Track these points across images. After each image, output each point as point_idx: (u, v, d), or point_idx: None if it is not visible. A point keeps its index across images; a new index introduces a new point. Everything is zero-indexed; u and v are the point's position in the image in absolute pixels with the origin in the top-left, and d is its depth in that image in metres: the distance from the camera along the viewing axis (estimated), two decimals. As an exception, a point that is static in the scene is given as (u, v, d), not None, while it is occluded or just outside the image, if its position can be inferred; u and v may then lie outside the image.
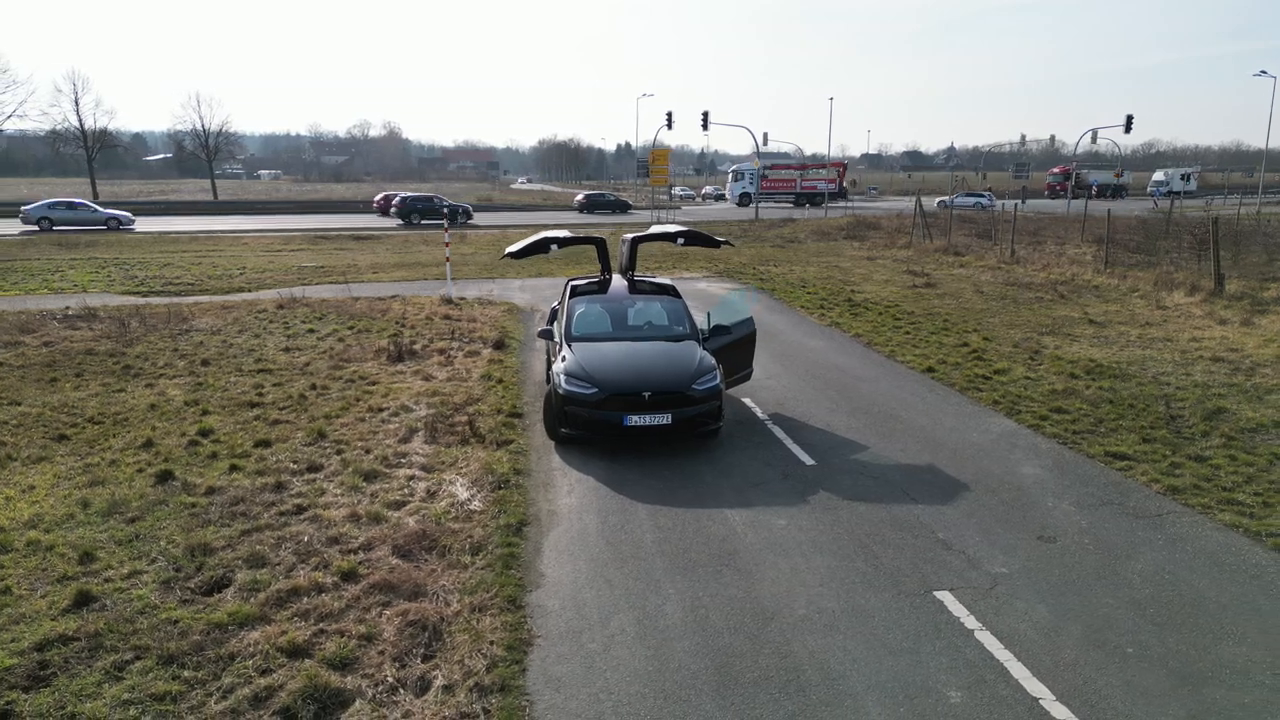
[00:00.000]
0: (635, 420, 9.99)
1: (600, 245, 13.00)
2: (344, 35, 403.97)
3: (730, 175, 79.35)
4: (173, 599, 6.79)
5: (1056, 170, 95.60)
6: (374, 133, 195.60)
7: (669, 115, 63.62)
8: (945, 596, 6.93)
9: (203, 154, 68.98)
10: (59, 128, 61.45)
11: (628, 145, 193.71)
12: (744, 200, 73.00)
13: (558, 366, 10.64)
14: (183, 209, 63.52)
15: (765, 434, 11.13)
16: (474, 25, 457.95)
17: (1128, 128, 62.02)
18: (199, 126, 67.09)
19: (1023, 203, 69.13)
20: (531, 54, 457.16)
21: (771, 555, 7.68)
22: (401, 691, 5.67)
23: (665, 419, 10.04)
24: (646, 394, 10.02)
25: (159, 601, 6.73)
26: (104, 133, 64.09)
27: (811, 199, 73.61)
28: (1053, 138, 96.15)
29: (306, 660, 5.95)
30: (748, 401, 12.55)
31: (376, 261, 30.95)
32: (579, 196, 66.58)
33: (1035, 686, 5.74)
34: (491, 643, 6.22)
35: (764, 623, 6.55)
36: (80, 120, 61.68)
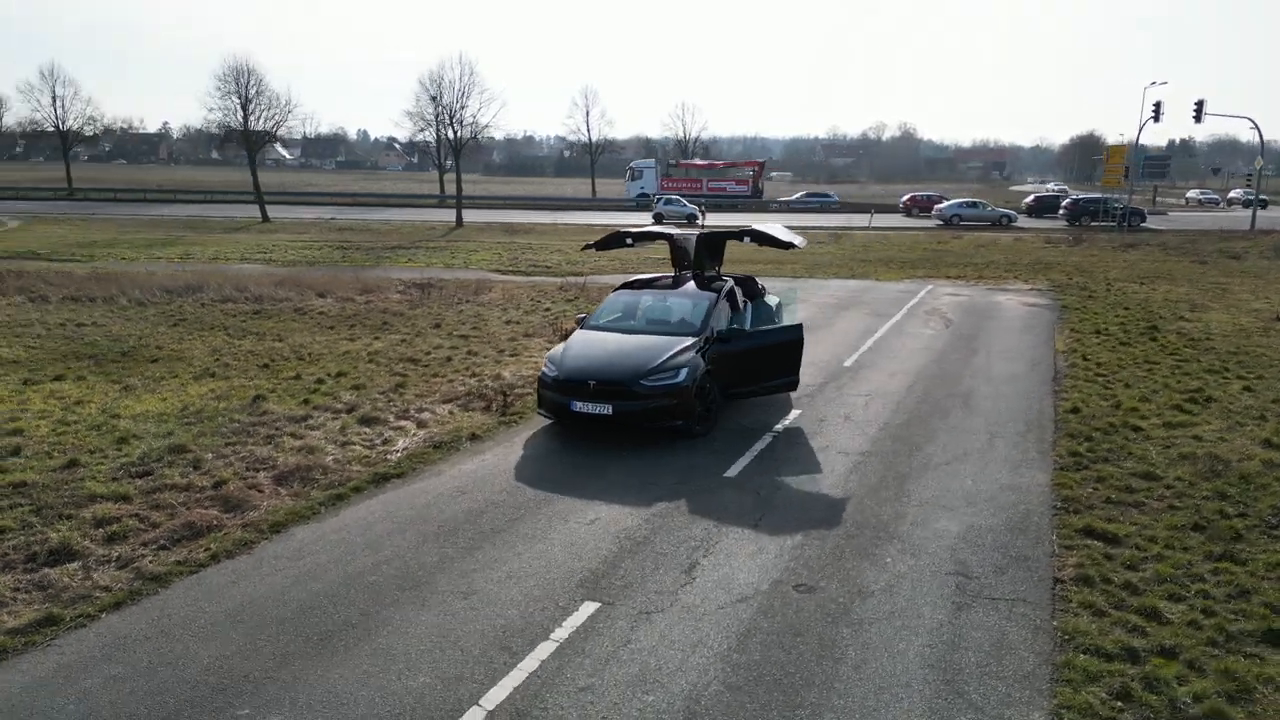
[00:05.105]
0: (580, 407, 10.40)
1: (671, 241, 13.15)
2: (862, 37, 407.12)
3: (627, 174, 69.98)
4: (110, 474, 9.31)
5: None
6: (889, 134, 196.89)
7: (1156, 106, 54.98)
8: (588, 607, 6.65)
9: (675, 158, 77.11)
10: (572, 136, 73.75)
11: (1180, 143, 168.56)
12: (642, 201, 64.19)
13: (554, 350, 11.40)
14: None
15: (746, 444, 10.60)
16: (1008, 15, 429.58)
17: None
18: (682, 134, 75.02)
19: None
20: (1072, 43, 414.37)
21: (533, 544, 7.83)
22: (108, 565, 7.38)
23: (606, 410, 10.27)
24: (592, 383, 10.35)
25: (101, 474, 9.30)
26: (606, 141, 75.40)
27: (719, 203, 63.24)
28: None
29: (98, 530, 7.96)
30: (794, 411, 11.88)
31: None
32: (1028, 199, 61.09)
33: (498, 695, 5.54)
34: (208, 549, 7.64)
35: (407, 589, 6.97)
36: (588, 129, 73.40)
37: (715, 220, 49.12)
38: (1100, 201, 53.15)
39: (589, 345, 11.11)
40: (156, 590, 6.97)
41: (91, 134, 72.97)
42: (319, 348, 15.99)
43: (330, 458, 9.95)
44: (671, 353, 10.60)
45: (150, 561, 7.40)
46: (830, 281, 25.80)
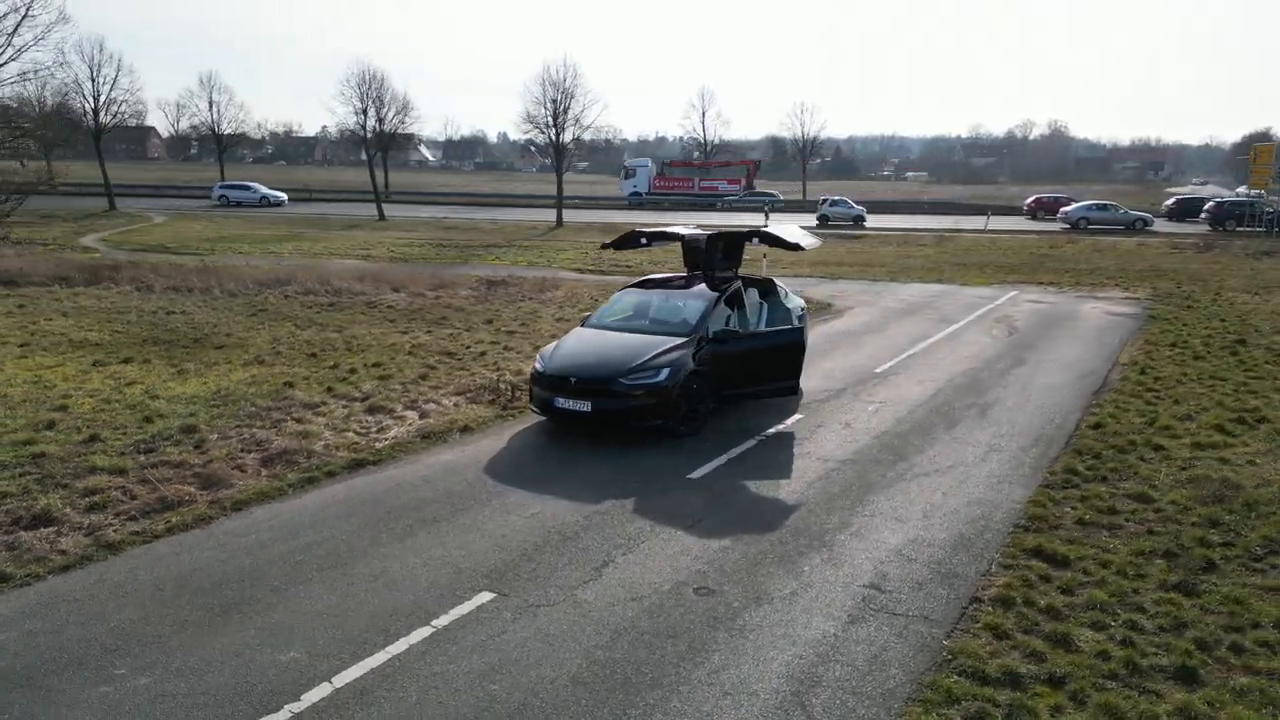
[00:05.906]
0: (562, 403, 10.53)
1: (684, 241, 13.05)
2: (1013, 31, 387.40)
3: (622, 173, 68.64)
4: (120, 450, 10.08)
5: None
6: (1037, 132, 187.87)
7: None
8: (482, 597, 6.78)
9: (796, 158, 76.12)
10: (687, 136, 74.09)
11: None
12: (634, 201, 63.08)
13: (550, 346, 11.57)
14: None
15: (729, 446, 10.47)
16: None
17: None
18: (800, 133, 74.04)
19: None
20: (1251, 33, 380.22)
21: (465, 534, 8.03)
22: (77, 532, 8.01)
23: (585, 407, 10.36)
24: (573, 380, 10.46)
25: (113, 450, 10.07)
26: (722, 141, 75.55)
27: (711, 202, 61.36)
28: None
29: (83, 500, 8.64)
30: (795, 415, 11.64)
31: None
32: (1169, 201, 57.09)
33: (352, 674, 5.75)
34: (168, 522, 8.18)
35: (325, 569, 7.28)
36: (704, 130, 73.49)
37: (708, 221, 48.23)
38: (1249, 204, 49.04)
39: (580, 343, 11.23)
40: (106, 557, 7.53)
41: (259, 137, 78.75)
42: (370, 339, 16.71)
43: (321, 443, 10.43)
44: (655, 352, 10.58)
45: (114, 531, 7.99)
46: (908, 285, 24.96)
